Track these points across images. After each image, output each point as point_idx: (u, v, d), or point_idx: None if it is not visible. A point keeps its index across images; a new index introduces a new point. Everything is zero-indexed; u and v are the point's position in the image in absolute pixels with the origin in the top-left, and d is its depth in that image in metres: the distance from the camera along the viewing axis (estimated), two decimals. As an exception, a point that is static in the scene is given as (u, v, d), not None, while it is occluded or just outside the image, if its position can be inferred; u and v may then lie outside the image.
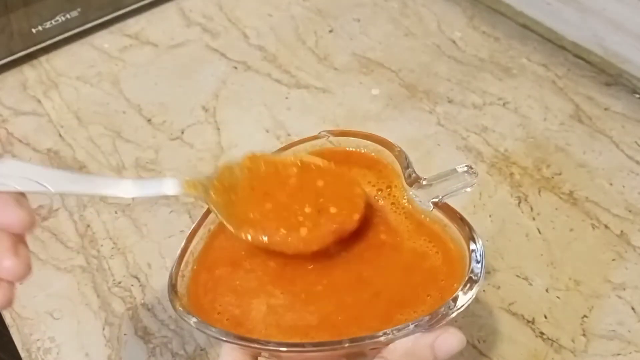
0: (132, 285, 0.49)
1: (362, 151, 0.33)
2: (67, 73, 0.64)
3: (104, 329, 0.47)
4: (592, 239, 0.51)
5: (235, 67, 0.65)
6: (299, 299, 0.29)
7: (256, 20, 0.70)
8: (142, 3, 0.69)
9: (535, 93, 0.61)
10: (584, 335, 0.46)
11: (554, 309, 0.47)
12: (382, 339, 0.26)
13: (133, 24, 0.69)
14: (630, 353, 0.45)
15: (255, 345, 0.27)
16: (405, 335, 0.27)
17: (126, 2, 0.68)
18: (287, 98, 0.62)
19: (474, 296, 0.27)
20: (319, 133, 0.34)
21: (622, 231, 0.51)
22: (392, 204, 0.31)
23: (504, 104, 0.61)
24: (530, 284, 0.48)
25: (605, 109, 0.60)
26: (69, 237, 0.52)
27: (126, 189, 0.29)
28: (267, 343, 0.27)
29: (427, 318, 0.26)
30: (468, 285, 0.27)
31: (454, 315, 0.27)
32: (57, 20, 0.63)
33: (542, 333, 0.46)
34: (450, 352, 0.27)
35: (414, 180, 0.31)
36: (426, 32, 0.68)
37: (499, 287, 0.48)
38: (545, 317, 0.47)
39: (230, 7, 0.72)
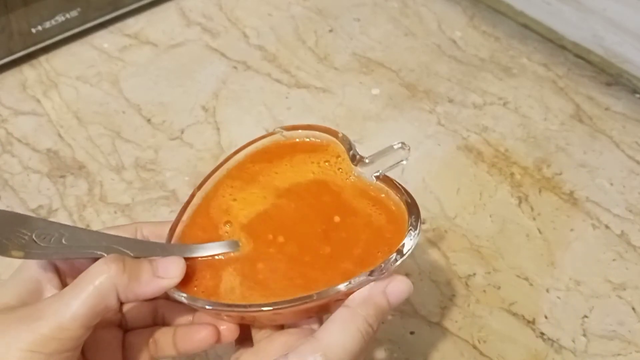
0: (131, 285, 0.49)
1: (308, 140, 0.37)
2: (67, 73, 0.64)
3: (103, 329, 0.47)
4: (592, 239, 0.51)
5: (235, 67, 0.65)
6: (268, 267, 0.33)
7: (256, 20, 0.70)
8: (141, 3, 0.69)
9: (536, 93, 0.61)
10: (584, 335, 0.46)
11: (555, 309, 0.47)
12: (343, 288, 0.30)
13: (133, 24, 0.69)
14: (631, 353, 0.45)
15: (239, 310, 0.31)
16: (363, 285, 0.31)
17: (126, 1, 0.68)
18: (287, 98, 0.62)
19: (414, 245, 0.31)
20: (274, 130, 0.37)
21: (622, 231, 0.51)
22: (339, 169, 0.35)
23: (504, 104, 0.61)
24: (531, 284, 0.48)
25: (606, 109, 0.60)
26: (69, 237, 0.52)
27: (194, 252, 0.33)
28: (249, 306, 0.31)
29: (379, 267, 0.31)
30: (410, 234, 0.32)
31: (400, 262, 0.31)
32: (57, 20, 0.63)
33: (542, 333, 0.46)
34: (400, 296, 0.31)
35: (358, 160, 0.35)
36: (426, 31, 0.68)
37: (499, 287, 0.48)
38: (546, 317, 0.47)
39: (230, 6, 0.72)
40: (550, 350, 0.45)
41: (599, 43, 0.62)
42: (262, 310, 0.30)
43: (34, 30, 0.62)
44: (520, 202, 0.53)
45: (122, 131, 0.59)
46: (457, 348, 0.45)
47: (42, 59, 0.66)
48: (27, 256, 0.29)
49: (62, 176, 0.56)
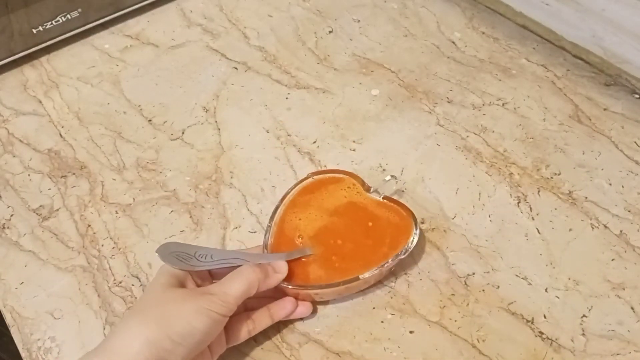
0: (132, 285, 0.49)
1: (331, 176, 0.52)
2: (68, 73, 0.65)
3: (104, 328, 0.47)
4: (591, 239, 0.51)
5: (236, 68, 0.65)
6: (339, 259, 0.48)
7: (256, 21, 0.70)
8: (142, 4, 0.70)
9: (535, 93, 0.62)
10: (583, 334, 0.46)
11: (553, 308, 0.47)
12: (383, 269, 0.46)
13: (134, 25, 0.70)
14: (630, 353, 0.45)
15: (316, 290, 0.47)
16: (397, 260, 0.47)
17: (127, 2, 0.68)
18: (287, 98, 0.62)
19: (417, 237, 0.47)
20: (307, 175, 0.52)
21: (621, 231, 0.51)
22: (358, 193, 0.51)
23: (503, 104, 0.61)
24: (530, 284, 0.48)
25: (605, 109, 0.60)
26: (70, 237, 0.52)
27: (286, 257, 0.47)
28: (322, 286, 0.46)
29: (405, 248, 0.47)
30: (414, 232, 0.48)
31: (414, 243, 0.47)
32: (58, 21, 0.64)
33: (541, 332, 0.46)
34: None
35: (367, 188, 0.51)
36: (426, 32, 0.68)
37: (498, 287, 0.48)
38: (545, 316, 0.47)
39: (231, 8, 0.72)
40: (549, 350, 0.45)
41: (597, 43, 0.63)
42: (339, 285, 0.46)
43: (34, 31, 0.63)
44: (519, 202, 0.53)
45: (123, 131, 0.60)
46: (456, 347, 0.45)
47: (43, 59, 0.66)
48: (194, 269, 0.43)
49: (64, 176, 0.56)
